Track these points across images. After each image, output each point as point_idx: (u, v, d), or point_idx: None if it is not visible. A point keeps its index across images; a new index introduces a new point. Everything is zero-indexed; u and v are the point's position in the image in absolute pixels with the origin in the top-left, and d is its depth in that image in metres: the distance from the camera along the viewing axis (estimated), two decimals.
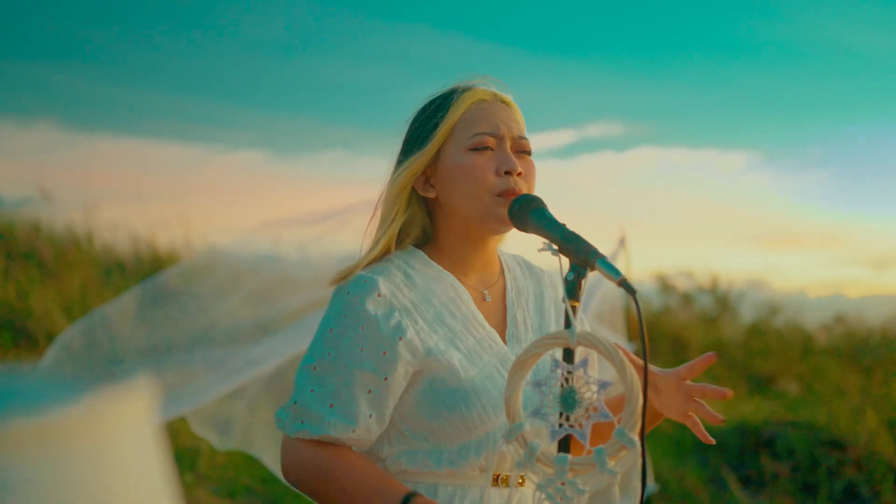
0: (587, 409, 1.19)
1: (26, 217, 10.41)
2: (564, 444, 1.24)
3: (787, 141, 13.81)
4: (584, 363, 1.21)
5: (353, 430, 1.46)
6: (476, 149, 1.58)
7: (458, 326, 1.55)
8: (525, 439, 1.20)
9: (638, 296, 1.22)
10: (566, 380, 1.21)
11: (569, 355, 1.23)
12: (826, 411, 7.78)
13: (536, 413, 1.21)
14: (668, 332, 10.97)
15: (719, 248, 15.46)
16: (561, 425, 1.20)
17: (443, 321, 1.55)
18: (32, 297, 8.45)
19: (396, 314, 1.50)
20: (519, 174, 1.58)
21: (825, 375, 9.59)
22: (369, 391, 1.46)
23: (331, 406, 1.46)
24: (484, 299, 1.64)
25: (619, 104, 13.39)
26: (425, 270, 1.60)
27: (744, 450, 7.12)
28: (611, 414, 1.20)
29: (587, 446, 1.20)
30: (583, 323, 1.71)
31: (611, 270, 1.23)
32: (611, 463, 1.19)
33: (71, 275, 8.98)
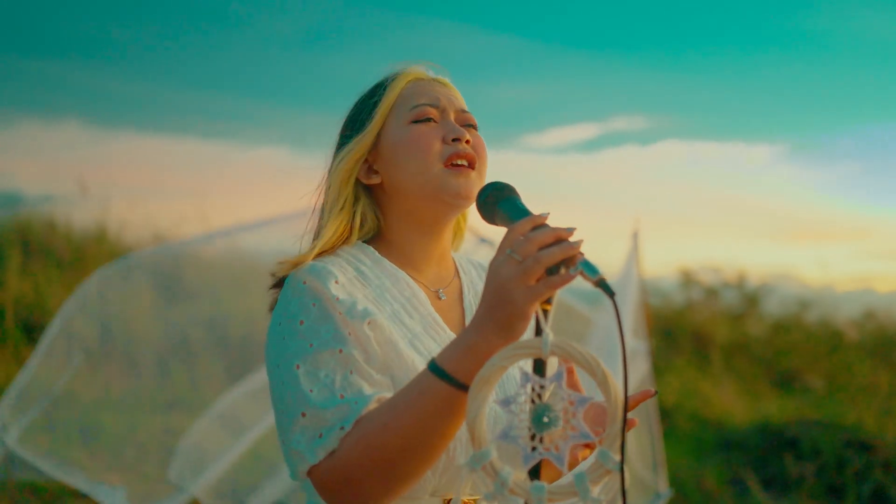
0: (564, 429, 1.04)
1: (46, 214, 10.45)
2: (535, 470, 1.09)
3: (815, 134, 13.56)
4: (559, 376, 1.06)
5: (378, 398, 1.27)
6: (418, 120, 1.48)
7: (418, 328, 1.42)
8: (494, 468, 1.05)
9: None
10: (539, 396, 1.06)
11: (540, 367, 1.09)
12: (854, 410, 7.56)
13: (505, 436, 1.06)
14: (690, 327, 10.77)
15: (745, 242, 15.22)
16: (534, 448, 1.05)
17: (401, 321, 1.41)
18: (49, 294, 8.44)
19: (358, 303, 1.36)
20: (467, 142, 1.46)
21: (853, 373, 9.35)
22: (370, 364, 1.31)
23: (341, 397, 1.26)
24: (438, 297, 1.50)
25: (643, 97, 13.24)
26: (377, 267, 1.47)
27: (766, 450, 6.91)
28: (592, 434, 1.05)
29: (565, 471, 1.05)
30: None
31: (587, 269, 1.08)
32: (594, 490, 1.04)
33: (88, 272, 8.96)
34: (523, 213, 1.25)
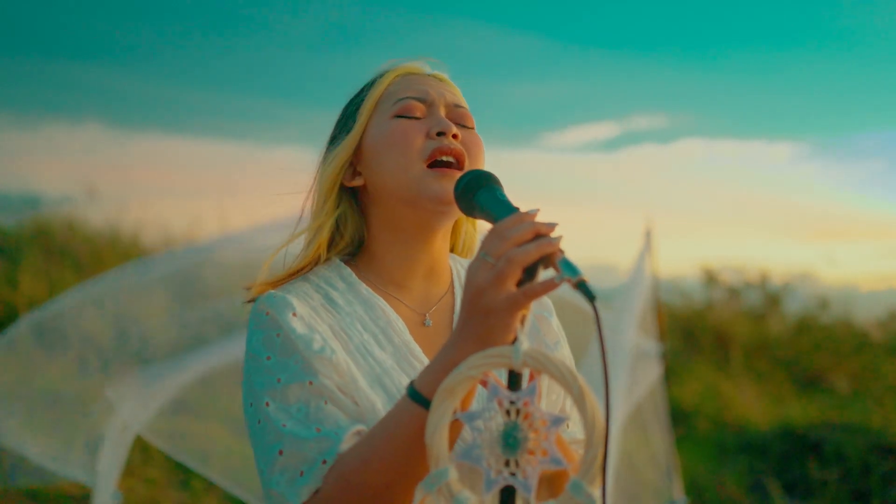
0: (534, 452, 0.92)
1: (64, 215, 10.49)
2: (507, 497, 0.96)
3: (837, 132, 13.39)
4: (532, 391, 0.94)
5: (357, 430, 1.17)
6: (401, 115, 1.35)
7: (389, 361, 1.28)
8: (451, 490, 0.93)
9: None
10: (507, 412, 0.94)
11: (514, 379, 0.96)
12: (879, 412, 7.36)
13: (467, 455, 0.94)
14: (711, 327, 10.61)
15: (767, 241, 15.02)
16: (500, 472, 0.93)
17: (370, 353, 1.28)
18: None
19: (318, 336, 1.24)
20: (455, 136, 1.32)
21: (878, 374, 9.12)
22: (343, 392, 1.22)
23: (318, 430, 1.16)
24: (423, 324, 1.36)
25: (663, 96, 13.15)
26: (350, 292, 1.34)
27: (789, 454, 6.73)
28: (564, 460, 0.92)
29: (532, 501, 0.92)
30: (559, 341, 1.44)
31: (568, 269, 0.96)
32: None
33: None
34: (503, 205, 1.12)
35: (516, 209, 1.10)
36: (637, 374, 4.01)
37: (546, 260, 0.99)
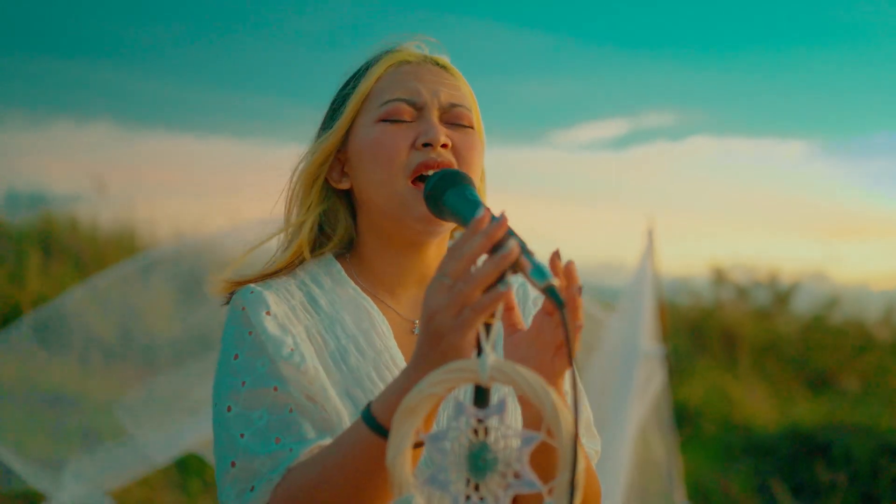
0: (504, 475, 0.86)
1: (72, 214, 10.49)
2: None
3: (848, 129, 13.30)
4: (501, 408, 0.88)
5: (319, 444, 1.12)
6: (387, 120, 1.25)
7: (366, 368, 1.22)
8: None
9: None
10: (475, 432, 0.88)
11: (482, 395, 0.90)
12: (890, 414, 7.28)
13: (433, 480, 0.87)
14: (719, 326, 10.51)
15: (776, 239, 14.92)
16: (468, 497, 0.86)
17: (345, 360, 1.22)
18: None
19: (289, 340, 1.18)
20: (445, 146, 1.22)
21: (888, 374, 9.01)
22: (313, 402, 1.16)
23: (277, 441, 1.12)
24: (412, 332, 1.29)
25: (673, 93, 13.09)
26: (337, 290, 1.27)
27: (796, 456, 6.65)
28: (538, 482, 0.86)
29: None
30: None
31: (536, 274, 0.89)
32: None
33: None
34: (471, 203, 1.06)
35: (483, 206, 1.03)
36: (641, 377, 3.96)
37: (515, 266, 0.92)
